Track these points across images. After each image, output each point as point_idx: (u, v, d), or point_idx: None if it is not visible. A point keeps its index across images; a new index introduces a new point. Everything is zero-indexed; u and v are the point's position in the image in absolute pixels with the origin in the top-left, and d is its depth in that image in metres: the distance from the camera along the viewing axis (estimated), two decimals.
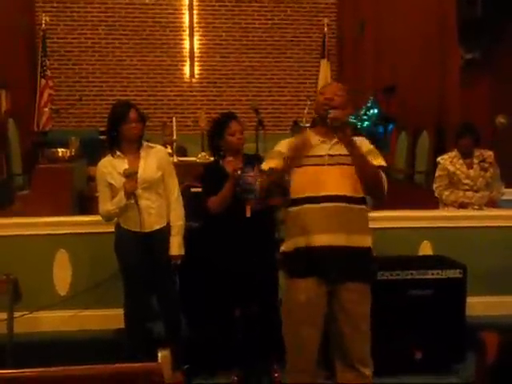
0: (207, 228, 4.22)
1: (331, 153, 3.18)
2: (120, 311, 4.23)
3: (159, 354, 4.13)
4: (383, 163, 3.27)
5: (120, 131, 3.99)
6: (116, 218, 4.12)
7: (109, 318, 4.74)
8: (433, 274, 4.33)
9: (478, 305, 4.89)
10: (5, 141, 7.61)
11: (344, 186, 3.13)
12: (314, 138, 3.25)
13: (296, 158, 3.12)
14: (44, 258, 4.90)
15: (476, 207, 5.53)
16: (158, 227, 4.05)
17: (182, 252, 4.12)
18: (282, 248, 3.32)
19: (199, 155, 6.98)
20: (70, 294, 4.89)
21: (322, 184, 3.13)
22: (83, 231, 4.94)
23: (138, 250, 4.01)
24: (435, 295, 4.31)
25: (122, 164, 3.98)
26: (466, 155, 5.65)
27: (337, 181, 3.13)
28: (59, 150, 6.09)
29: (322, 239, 3.11)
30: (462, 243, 5.05)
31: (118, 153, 4.02)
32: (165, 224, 4.08)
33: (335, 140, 3.20)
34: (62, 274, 4.92)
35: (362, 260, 3.21)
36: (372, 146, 3.33)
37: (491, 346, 2.51)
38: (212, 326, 4.24)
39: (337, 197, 3.11)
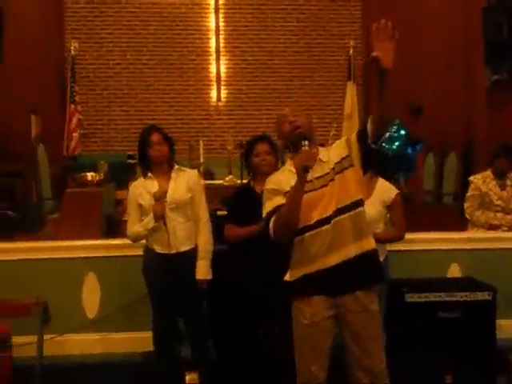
0: (233, 251, 4.22)
1: (317, 175, 3.13)
2: (148, 334, 4.24)
3: (187, 377, 4.15)
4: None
5: (147, 155, 4.08)
6: (144, 241, 4.16)
7: (137, 341, 4.76)
8: (462, 297, 4.29)
9: (509, 327, 4.83)
10: (35, 166, 7.71)
11: (341, 199, 3.10)
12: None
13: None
14: (73, 281, 4.95)
15: (505, 229, 5.46)
16: (185, 249, 4.08)
17: (209, 277, 4.11)
18: (287, 278, 3.24)
19: (227, 178, 7.02)
20: (98, 317, 4.92)
21: (319, 207, 3.10)
22: (112, 254, 4.99)
23: (165, 274, 4.03)
24: (464, 318, 4.27)
25: (153, 185, 4.06)
26: (501, 176, 5.59)
27: (333, 197, 3.10)
28: (88, 174, 6.13)
29: (332, 260, 3.07)
30: (490, 265, 5.00)
31: (150, 174, 4.11)
32: (192, 246, 4.10)
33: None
34: (91, 297, 4.96)
35: (370, 263, 3.14)
36: (338, 141, 3.30)
37: None
38: (239, 345, 4.23)
39: (337, 211, 3.08)
